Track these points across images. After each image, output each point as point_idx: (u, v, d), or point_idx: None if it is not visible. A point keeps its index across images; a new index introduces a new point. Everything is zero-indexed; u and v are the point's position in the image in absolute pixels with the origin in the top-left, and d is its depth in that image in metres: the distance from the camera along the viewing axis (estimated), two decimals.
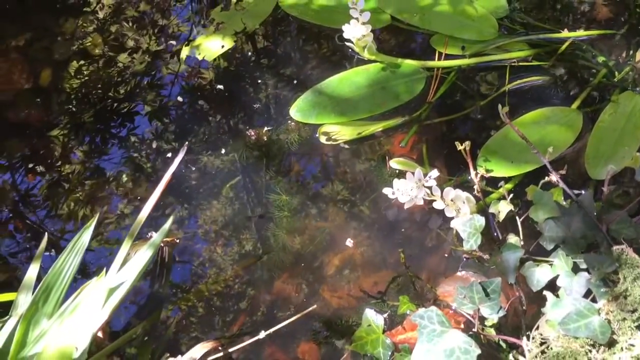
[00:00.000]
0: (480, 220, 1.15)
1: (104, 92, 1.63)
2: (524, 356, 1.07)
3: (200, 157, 1.49)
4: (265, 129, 1.50)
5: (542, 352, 1.04)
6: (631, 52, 1.50)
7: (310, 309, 1.24)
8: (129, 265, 1.17)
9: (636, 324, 1.00)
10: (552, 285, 1.10)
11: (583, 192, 1.18)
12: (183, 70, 1.65)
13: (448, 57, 1.51)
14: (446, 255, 1.29)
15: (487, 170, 1.30)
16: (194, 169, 1.48)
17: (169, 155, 1.50)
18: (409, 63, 1.50)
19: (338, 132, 1.46)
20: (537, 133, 1.36)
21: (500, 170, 1.33)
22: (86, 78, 1.66)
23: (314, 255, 1.33)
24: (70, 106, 1.61)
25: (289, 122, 1.49)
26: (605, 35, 1.52)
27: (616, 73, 1.46)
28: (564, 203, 1.19)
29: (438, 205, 1.18)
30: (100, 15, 1.78)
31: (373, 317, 1.16)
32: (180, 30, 1.73)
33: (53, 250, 1.38)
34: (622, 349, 0.98)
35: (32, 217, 1.46)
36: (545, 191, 1.18)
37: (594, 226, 1.12)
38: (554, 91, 1.47)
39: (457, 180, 1.35)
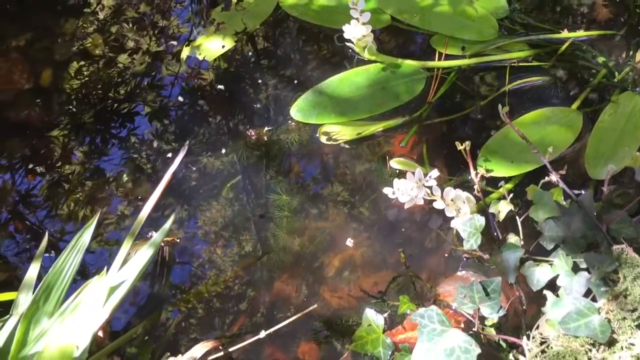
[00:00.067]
0: (481, 220, 1.15)
1: (104, 93, 1.63)
2: (524, 355, 1.07)
3: (200, 158, 1.49)
4: (266, 129, 1.50)
5: (542, 351, 1.04)
6: (631, 52, 1.50)
7: (311, 308, 1.24)
8: (130, 264, 1.17)
9: (636, 323, 1.00)
10: (552, 285, 1.10)
11: (583, 192, 1.18)
12: (183, 71, 1.65)
13: (448, 57, 1.52)
14: (446, 255, 1.29)
15: (487, 170, 1.30)
16: (194, 169, 1.48)
17: (169, 155, 1.50)
18: (409, 63, 1.50)
19: (338, 132, 1.46)
20: (537, 133, 1.36)
21: (500, 170, 1.33)
22: (86, 78, 1.66)
23: (314, 255, 1.33)
24: (71, 106, 1.61)
25: (289, 122, 1.49)
26: (605, 36, 1.53)
27: (616, 73, 1.46)
28: (564, 203, 1.19)
29: (438, 205, 1.18)
30: (101, 16, 1.78)
31: (373, 317, 1.16)
32: (180, 30, 1.74)
33: (53, 251, 1.38)
34: (622, 348, 0.98)
35: (32, 217, 1.46)
36: (545, 191, 1.18)
37: (594, 226, 1.12)
38: (554, 91, 1.47)
39: (457, 180, 1.35)
